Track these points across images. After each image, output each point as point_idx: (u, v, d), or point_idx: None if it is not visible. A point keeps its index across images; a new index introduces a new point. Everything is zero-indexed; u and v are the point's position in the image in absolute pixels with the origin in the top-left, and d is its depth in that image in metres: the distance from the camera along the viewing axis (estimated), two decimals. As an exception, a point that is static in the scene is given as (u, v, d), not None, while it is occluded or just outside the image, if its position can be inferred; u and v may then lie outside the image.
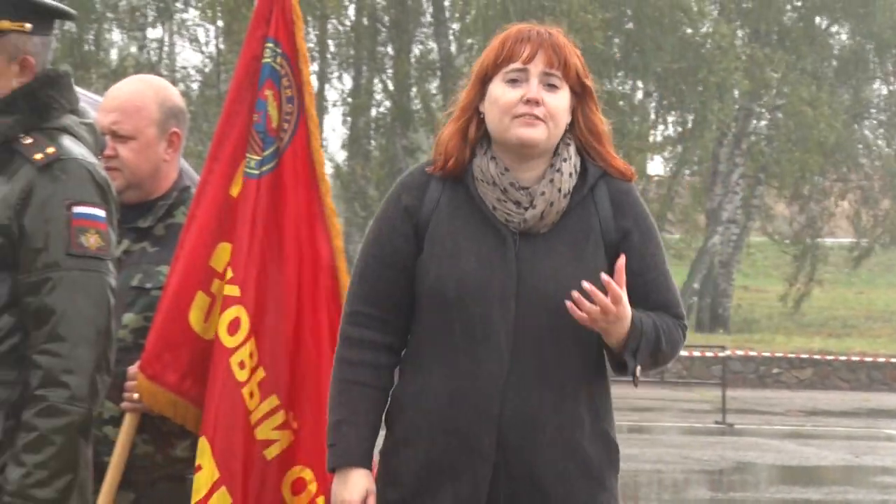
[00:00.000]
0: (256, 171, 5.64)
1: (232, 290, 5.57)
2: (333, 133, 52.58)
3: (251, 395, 5.58)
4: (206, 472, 5.51)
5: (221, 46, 50.49)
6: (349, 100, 50.81)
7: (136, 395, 5.51)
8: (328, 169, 40.90)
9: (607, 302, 4.28)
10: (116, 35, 52.65)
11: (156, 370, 5.52)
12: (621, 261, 4.35)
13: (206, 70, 52.22)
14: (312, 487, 5.68)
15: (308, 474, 5.67)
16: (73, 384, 4.85)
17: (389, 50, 50.39)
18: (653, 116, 53.33)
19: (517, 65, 4.43)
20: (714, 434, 25.99)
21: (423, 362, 4.51)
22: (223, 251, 5.62)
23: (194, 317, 5.58)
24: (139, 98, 5.84)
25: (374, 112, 50.30)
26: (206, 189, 5.67)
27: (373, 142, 50.14)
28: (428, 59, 50.70)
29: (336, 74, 51.86)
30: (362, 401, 4.53)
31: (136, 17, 52.39)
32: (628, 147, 48.83)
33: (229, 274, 5.57)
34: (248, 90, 5.72)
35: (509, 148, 4.45)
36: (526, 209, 4.44)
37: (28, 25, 5.05)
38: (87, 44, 50.10)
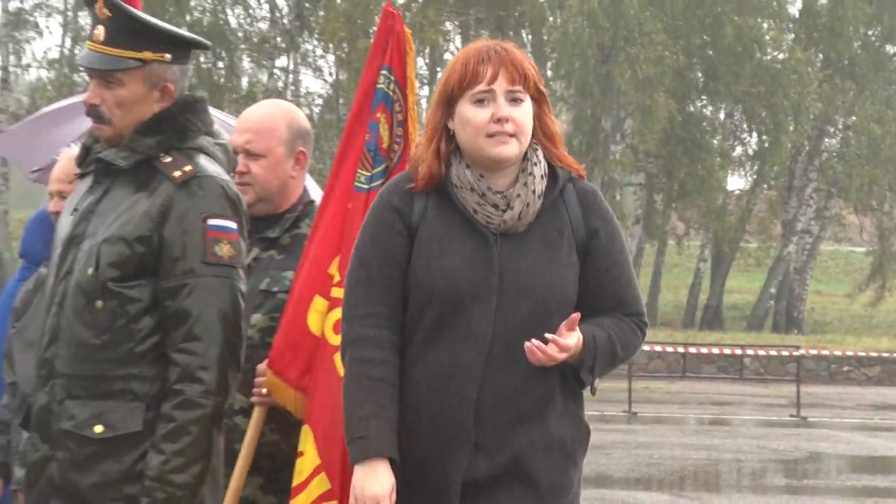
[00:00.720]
0: (366, 186, 5.64)
1: (338, 293, 5.58)
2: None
3: None
4: (307, 457, 5.52)
5: (340, 75, 50.67)
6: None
7: (264, 390, 5.54)
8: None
9: (555, 354, 4.27)
10: (247, 64, 52.93)
11: (280, 367, 5.55)
12: (574, 316, 4.32)
13: (326, 96, 52.42)
14: None
15: None
16: (207, 380, 4.90)
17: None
18: (732, 136, 52.92)
19: (483, 86, 4.39)
20: (789, 426, 25.80)
21: (413, 356, 4.49)
22: (337, 262, 5.64)
23: (312, 319, 5.58)
24: (270, 120, 5.88)
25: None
26: (328, 203, 5.68)
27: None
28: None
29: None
30: (388, 398, 4.48)
31: (265, 48, 52.67)
32: (710, 163, 48.72)
33: (337, 278, 5.59)
34: (365, 113, 5.73)
35: (484, 164, 4.44)
36: (504, 211, 4.41)
37: (168, 56, 5.10)
38: (221, 72, 50.40)
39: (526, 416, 4.39)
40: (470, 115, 4.38)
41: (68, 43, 53.15)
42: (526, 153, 4.45)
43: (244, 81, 52.41)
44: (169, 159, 5.04)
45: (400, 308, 4.52)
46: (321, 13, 49.48)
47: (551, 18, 48.21)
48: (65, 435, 5.03)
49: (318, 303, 5.60)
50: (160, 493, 4.89)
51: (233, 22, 53.18)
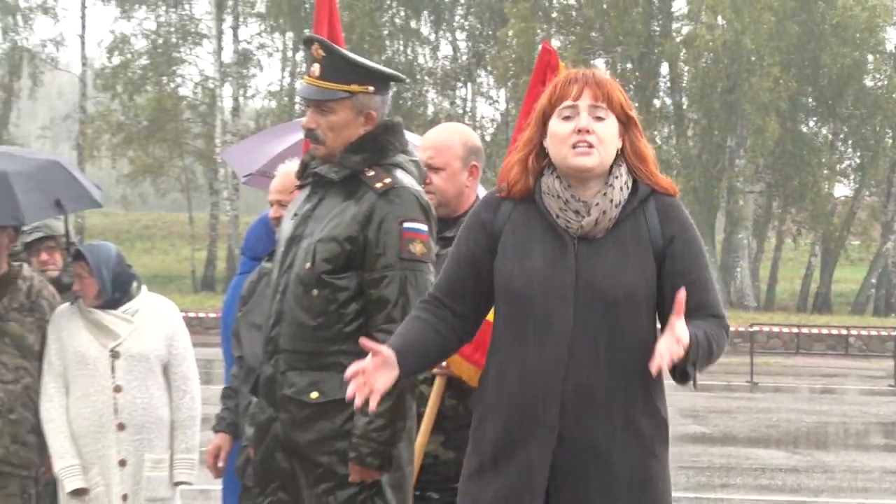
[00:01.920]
0: None
1: None
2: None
3: None
4: None
5: (509, 104, 50.72)
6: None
7: (444, 364, 5.55)
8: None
9: (678, 351, 3.95)
10: (432, 94, 53.14)
11: None
12: (682, 294, 4.01)
13: (498, 120, 52.51)
14: None
15: None
16: None
17: (636, 103, 50.11)
18: (837, 151, 52.26)
19: (568, 102, 4.19)
20: (887, 395, 25.36)
21: (499, 350, 4.25)
22: None
23: None
24: (448, 139, 5.91)
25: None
26: None
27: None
28: (662, 111, 50.44)
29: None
30: (411, 325, 4.29)
31: (447, 81, 52.84)
32: (817, 175, 48.30)
33: None
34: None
35: (569, 174, 4.20)
36: (583, 217, 4.17)
37: (371, 88, 5.15)
38: (410, 101, 50.62)
39: (607, 410, 4.11)
40: (556, 128, 4.20)
41: (287, 77, 53.62)
42: (611, 168, 4.22)
43: (430, 109, 52.62)
44: (372, 173, 5.10)
45: (461, 301, 4.30)
46: (494, 52, 49.60)
47: (684, 53, 47.89)
48: (287, 400, 5.11)
49: None
50: (365, 448, 4.94)
51: (420, 59, 53.45)
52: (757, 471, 15.03)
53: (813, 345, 35.50)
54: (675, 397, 24.08)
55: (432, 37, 53.92)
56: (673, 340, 3.96)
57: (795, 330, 35.39)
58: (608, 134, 4.19)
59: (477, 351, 5.59)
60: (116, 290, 6.75)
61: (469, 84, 53.85)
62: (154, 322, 6.84)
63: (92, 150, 50.80)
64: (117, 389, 6.71)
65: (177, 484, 6.85)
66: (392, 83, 5.31)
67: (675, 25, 50.15)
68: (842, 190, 54.28)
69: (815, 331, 35.86)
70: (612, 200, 4.19)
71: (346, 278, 5.01)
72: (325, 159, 5.17)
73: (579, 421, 4.09)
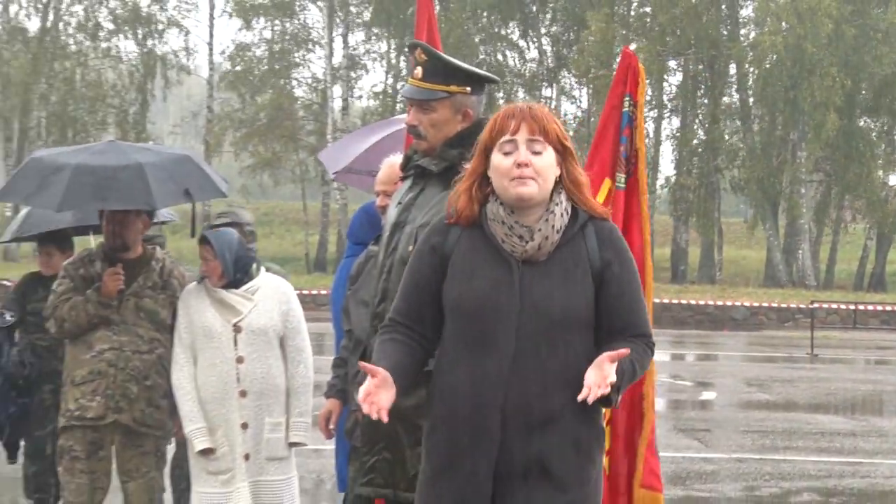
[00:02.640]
0: (623, 185, 5.66)
1: None
2: (663, 158, 52.27)
3: None
4: None
5: (591, 102, 50.59)
6: (677, 134, 50.58)
7: None
8: (661, 180, 40.65)
9: (604, 389, 3.92)
10: (521, 93, 53.05)
11: None
12: (623, 351, 3.95)
13: (580, 117, 52.37)
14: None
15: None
16: None
17: (706, 100, 49.91)
18: (891, 144, 51.60)
19: (507, 136, 4.11)
20: (937, 366, 25.16)
21: (445, 365, 4.16)
22: None
23: None
24: None
25: (694, 142, 49.79)
26: None
27: (695, 160, 49.60)
28: (730, 108, 50.14)
29: (668, 117, 51.79)
30: (391, 347, 4.20)
31: (534, 82, 52.78)
32: (872, 166, 47.87)
33: None
34: (609, 129, 5.72)
35: (512, 203, 4.11)
36: (527, 242, 4.08)
37: (468, 89, 5.13)
38: (500, 100, 50.64)
39: (546, 420, 4.01)
40: (497, 162, 4.11)
41: (389, 80, 53.77)
42: (551, 195, 4.13)
43: (518, 107, 52.59)
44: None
45: (420, 322, 4.21)
46: (576, 56, 49.49)
47: (750, 56, 47.58)
48: (393, 369, 5.13)
49: None
50: None
51: (510, 62, 53.45)
52: (817, 434, 14.90)
53: (868, 320, 35.22)
54: (741, 368, 23.98)
55: (521, 42, 53.97)
56: (601, 378, 3.92)
57: (852, 307, 35.19)
58: (546, 165, 4.11)
59: None
60: (238, 272, 6.82)
61: (553, 84, 53.79)
62: (272, 300, 6.89)
63: (217, 145, 51.23)
64: (239, 360, 6.76)
65: (292, 444, 6.93)
66: (486, 84, 5.29)
67: (742, 31, 49.84)
68: (895, 179, 53.71)
69: (870, 307, 35.73)
70: (553, 226, 4.10)
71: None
72: (426, 153, 5.16)
73: (520, 433, 4.00)
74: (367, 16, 52.88)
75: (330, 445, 6.75)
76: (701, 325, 34.67)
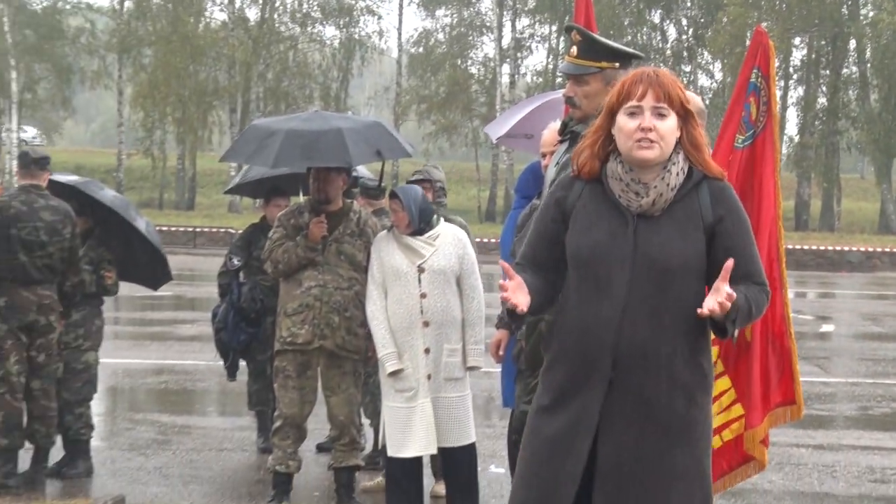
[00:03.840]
0: (741, 146, 5.58)
1: None
2: (788, 122, 51.12)
3: None
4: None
5: (725, 76, 49.70)
6: (802, 101, 49.57)
7: None
8: (786, 141, 39.71)
9: (725, 301, 3.67)
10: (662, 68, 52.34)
11: None
12: (729, 263, 3.71)
13: (715, 88, 51.45)
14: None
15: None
16: None
17: (827, 71, 48.85)
18: None
19: (634, 102, 3.82)
20: None
21: (565, 307, 3.90)
22: None
23: None
24: None
25: (817, 107, 48.76)
26: (716, 157, 5.60)
27: (816, 123, 48.61)
28: (850, 78, 48.98)
29: (794, 87, 50.68)
30: (523, 273, 3.88)
31: (675, 59, 52.03)
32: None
33: None
34: (741, 99, 5.63)
35: (632, 162, 3.86)
36: (642, 197, 3.81)
37: (617, 64, 5.10)
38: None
39: (655, 364, 3.75)
40: (623, 123, 3.84)
41: (550, 59, 53.49)
42: (670, 155, 3.86)
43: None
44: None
45: (542, 267, 3.95)
46: (711, 35, 48.70)
47: (869, 32, 46.40)
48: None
49: None
50: None
51: (654, 42, 52.73)
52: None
53: None
54: (856, 304, 23.44)
55: (663, 24, 53.26)
56: (719, 297, 3.69)
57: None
58: (668, 130, 3.83)
59: None
60: (422, 222, 6.88)
61: (692, 61, 52.92)
62: (450, 245, 6.94)
63: (404, 114, 51.56)
64: (423, 296, 6.82)
65: (469, 368, 6.98)
66: (632, 60, 5.23)
67: (861, 10, 48.55)
68: None
69: None
70: (668, 184, 3.84)
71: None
72: (580, 120, 5.14)
73: (630, 373, 3.76)
74: (532, 3, 52.73)
75: (498, 368, 6.78)
76: (821, 267, 33.97)
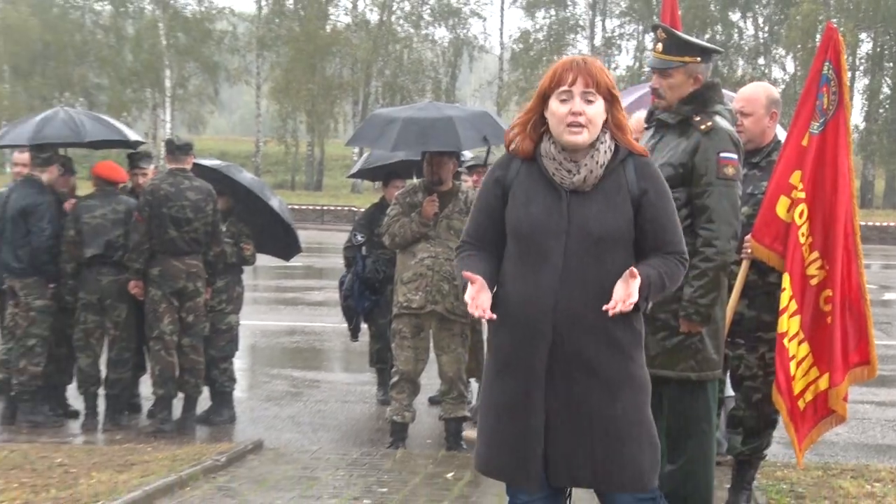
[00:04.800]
0: (816, 132, 5.45)
1: (799, 194, 5.40)
2: (854, 109, 49.98)
3: (806, 247, 5.41)
4: (785, 293, 5.37)
5: (796, 68, 48.69)
6: (867, 92, 48.44)
7: (749, 250, 5.41)
8: (853, 127, 38.85)
9: (628, 306, 3.55)
10: (740, 62, 51.43)
11: (759, 236, 5.42)
12: (634, 271, 3.56)
13: (787, 79, 50.44)
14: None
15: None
16: (719, 245, 4.82)
17: (890, 63, 47.65)
18: None
19: (564, 87, 3.66)
20: None
21: (507, 278, 3.72)
22: (796, 175, 5.45)
23: (779, 208, 5.43)
24: (755, 93, 5.75)
25: (881, 96, 47.63)
26: (790, 140, 5.51)
27: (881, 111, 47.49)
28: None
29: (860, 77, 49.49)
30: (474, 261, 3.78)
31: (751, 52, 51.14)
32: None
33: (800, 185, 5.40)
34: (813, 88, 5.52)
35: (564, 144, 3.68)
36: (574, 175, 3.66)
37: (699, 58, 5.03)
38: (723, 67, 49.21)
39: (591, 325, 3.61)
40: (555, 108, 3.67)
41: (638, 55, 52.91)
42: (598, 136, 3.70)
43: (738, 73, 50.88)
44: (698, 118, 4.97)
45: (485, 243, 3.80)
46: (784, 31, 47.77)
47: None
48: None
49: (782, 199, 5.45)
50: (691, 309, 4.85)
51: (734, 38, 51.83)
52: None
53: None
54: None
55: (741, 22, 52.30)
56: (625, 294, 3.55)
57: None
58: (596, 114, 3.66)
59: (775, 241, 5.44)
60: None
61: (766, 55, 51.94)
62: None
63: (505, 105, 51.40)
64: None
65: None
66: (712, 54, 5.15)
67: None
68: None
69: None
70: (597, 161, 3.68)
71: (678, 192, 4.83)
72: (665, 109, 5.08)
73: (569, 335, 3.61)
74: (623, 5, 52.18)
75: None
76: (884, 241, 33.18)
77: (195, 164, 8.28)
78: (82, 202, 8.20)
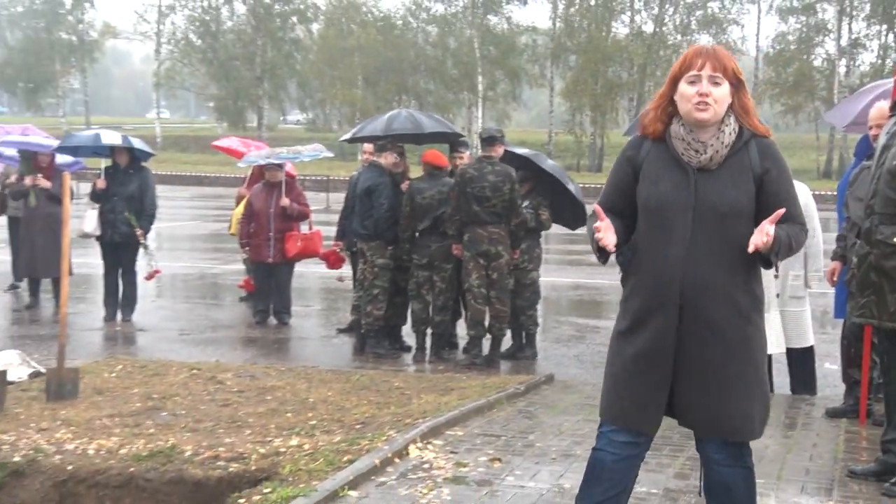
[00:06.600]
0: None
1: None
2: None
3: None
4: None
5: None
6: None
7: None
8: None
9: (768, 238, 3.22)
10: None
11: None
12: (780, 211, 3.26)
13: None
14: None
15: None
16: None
17: None
18: None
19: (694, 71, 3.34)
20: None
21: (639, 249, 3.41)
22: None
23: None
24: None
25: None
26: None
27: None
28: None
29: None
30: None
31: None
32: None
33: None
34: None
35: (691, 124, 3.36)
36: (701, 154, 3.34)
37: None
38: None
39: (715, 292, 3.31)
40: (683, 90, 3.35)
41: (881, 53, 49.04)
42: (723, 119, 3.37)
43: None
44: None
45: (615, 210, 3.49)
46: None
47: None
48: (878, 242, 4.71)
49: None
50: None
51: None
52: None
53: None
54: None
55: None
56: (762, 233, 3.22)
57: None
58: (722, 96, 3.33)
59: None
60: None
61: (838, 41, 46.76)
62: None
63: (760, 100, 48.98)
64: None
65: (808, 288, 6.71)
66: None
67: None
68: None
69: None
70: (722, 142, 3.35)
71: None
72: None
73: (695, 300, 3.31)
74: (867, 9, 48.47)
75: (832, 290, 6.37)
76: None
77: (507, 152, 8.46)
78: (415, 183, 8.54)
